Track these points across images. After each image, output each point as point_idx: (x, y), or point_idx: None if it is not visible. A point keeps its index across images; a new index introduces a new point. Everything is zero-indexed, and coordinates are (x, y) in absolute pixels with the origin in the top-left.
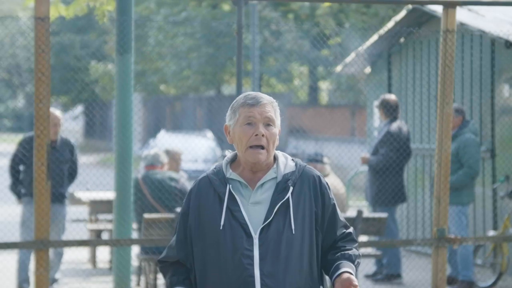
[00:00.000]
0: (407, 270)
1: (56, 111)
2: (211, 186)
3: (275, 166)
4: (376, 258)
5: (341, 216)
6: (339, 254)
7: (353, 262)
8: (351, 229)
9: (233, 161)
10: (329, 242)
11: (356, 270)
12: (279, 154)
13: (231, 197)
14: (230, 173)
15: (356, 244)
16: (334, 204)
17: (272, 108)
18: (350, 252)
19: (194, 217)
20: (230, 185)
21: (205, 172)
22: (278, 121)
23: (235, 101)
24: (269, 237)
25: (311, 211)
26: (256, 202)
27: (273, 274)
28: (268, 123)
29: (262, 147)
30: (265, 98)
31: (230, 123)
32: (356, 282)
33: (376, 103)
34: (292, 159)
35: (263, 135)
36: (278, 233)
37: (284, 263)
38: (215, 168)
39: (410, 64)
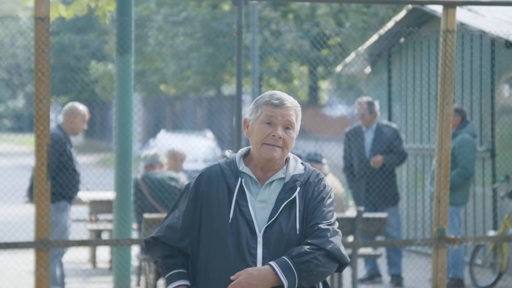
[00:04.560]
0: (407, 270)
1: (83, 106)
2: (222, 175)
3: (284, 167)
4: (375, 258)
5: (327, 214)
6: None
7: (291, 257)
8: (324, 225)
9: (245, 156)
10: (306, 232)
11: (300, 268)
12: (291, 156)
13: (241, 190)
14: (242, 167)
15: (321, 240)
16: (322, 198)
17: (294, 112)
18: (295, 247)
19: (202, 205)
20: (242, 179)
21: (217, 161)
22: (298, 126)
23: (260, 97)
24: (273, 235)
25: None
26: (262, 200)
27: None
28: (288, 126)
29: (278, 146)
30: (290, 101)
31: (250, 118)
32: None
33: (363, 106)
34: (302, 163)
35: (280, 137)
36: (282, 233)
37: None
38: (227, 159)
39: (410, 64)
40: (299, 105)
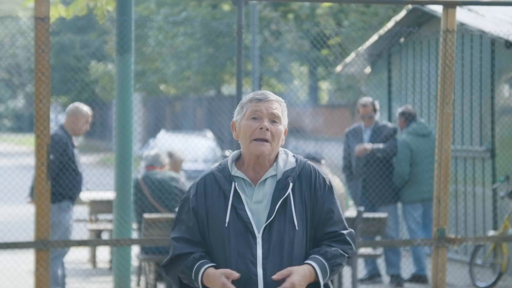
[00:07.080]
0: (407, 270)
1: (86, 107)
2: (216, 183)
3: (275, 163)
4: (375, 258)
5: (340, 215)
6: (316, 249)
7: (327, 259)
8: (346, 231)
9: (237, 159)
10: (319, 238)
11: (333, 269)
12: (281, 150)
13: (236, 194)
14: (235, 171)
15: (348, 246)
16: (330, 200)
17: (279, 106)
18: (328, 249)
19: (202, 214)
20: (236, 183)
21: (210, 169)
22: (285, 120)
23: (244, 98)
24: (272, 235)
25: (308, 207)
26: (258, 201)
27: (276, 272)
28: (274, 119)
29: (266, 141)
30: (273, 96)
31: (237, 118)
32: (293, 278)
33: (367, 107)
34: (293, 155)
35: (267, 129)
36: (280, 232)
37: (286, 261)
38: (220, 165)
39: (410, 64)
40: (283, 100)
